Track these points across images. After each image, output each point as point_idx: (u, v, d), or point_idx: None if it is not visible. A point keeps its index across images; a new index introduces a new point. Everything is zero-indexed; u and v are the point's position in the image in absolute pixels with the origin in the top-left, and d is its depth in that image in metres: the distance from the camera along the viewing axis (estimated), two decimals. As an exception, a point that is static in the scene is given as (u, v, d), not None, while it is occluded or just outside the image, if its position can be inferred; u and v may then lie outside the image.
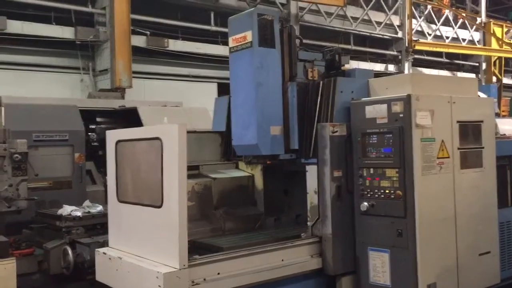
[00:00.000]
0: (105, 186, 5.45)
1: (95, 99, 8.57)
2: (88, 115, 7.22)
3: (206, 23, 12.51)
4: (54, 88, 10.18)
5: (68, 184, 6.19)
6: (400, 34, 16.82)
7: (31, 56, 10.30)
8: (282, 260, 3.88)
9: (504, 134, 6.76)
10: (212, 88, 12.43)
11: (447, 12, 18.40)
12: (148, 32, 11.38)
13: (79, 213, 4.67)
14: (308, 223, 4.24)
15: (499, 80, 19.41)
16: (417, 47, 16.79)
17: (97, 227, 4.68)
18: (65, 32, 10.30)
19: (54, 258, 4.53)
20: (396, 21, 16.83)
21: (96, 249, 4.05)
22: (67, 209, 4.73)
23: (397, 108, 3.92)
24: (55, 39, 10.24)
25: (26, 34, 9.88)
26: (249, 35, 4.18)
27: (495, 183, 4.52)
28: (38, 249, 4.76)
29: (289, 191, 4.87)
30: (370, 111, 4.06)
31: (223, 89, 11.13)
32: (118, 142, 3.95)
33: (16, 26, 9.69)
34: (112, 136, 4.04)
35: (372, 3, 15.69)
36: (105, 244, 4.13)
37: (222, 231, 4.46)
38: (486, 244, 4.40)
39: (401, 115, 3.89)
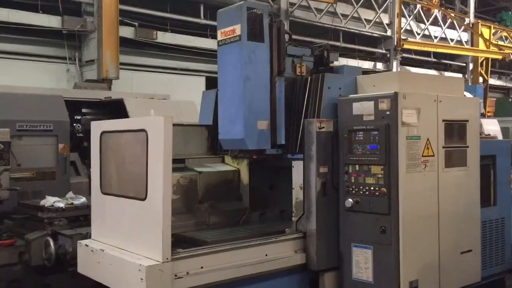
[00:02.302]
0: (89, 177, 5.40)
1: (81, 90, 8.48)
2: (73, 106, 7.14)
3: (195, 15, 12.44)
4: (40, 78, 10.07)
5: (52, 175, 6.12)
6: (389, 33, 16.91)
7: (17, 45, 10.16)
8: (266, 255, 3.87)
9: (489, 134, 6.85)
10: (201, 81, 12.39)
11: (436, 12, 18.53)
12: (136, 23, 11.28)
13: (61, 205, 4.62)
14: (293, 219, 4.25)
15: (485, 80, 19.64)
16: (405, 46, 16.90)
17: (80, 219, 4.64)
18: (51, 21, 10.17)
19: (35, 249, 4.47)
20: (385, 19, 16.92)
21: (79, 241, 4.01)
22: (49, 200, 4.68)
23: (384, 105, 3.92)
24: (41, 28, 10.10)
25: (12, 22, 9.74)
26: (238, 29, 4.15)
27: (478, 182, 4.56)
28: (19, 240, 4.70)
29: (275, 186, 4.86)
30: (357, 108, 4.07)
31: (211, 83, 11.10)
32: (102, 133, 3.91)
33: (2, 14, 9.55)
34: (97, 127, 4.00)
35: (362, 0, 15.74)
36: (88, 236, 4.08)
37: (206, 225, 4.44)
38: (468, 243, 4.44)
39: (387, 113, 3.90)
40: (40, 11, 10.15)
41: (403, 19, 17.13)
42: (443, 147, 4.21)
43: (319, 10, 14.70)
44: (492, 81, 21.00)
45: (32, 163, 5.94)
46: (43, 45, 10.46)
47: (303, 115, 4.30)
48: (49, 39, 10.44)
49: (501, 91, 22.75)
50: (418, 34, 18.08)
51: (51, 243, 4.35)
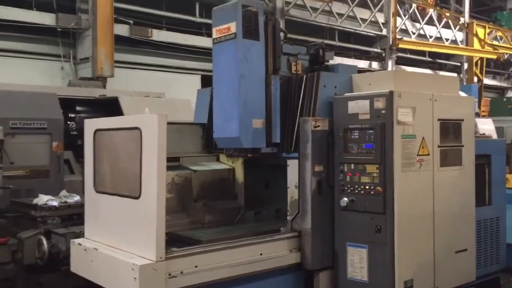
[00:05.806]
0: (84, 176, 5.37)
1: (75, 88, 8.43)
2: (67, 104, 7.10)
3: (191, 13, 12.40)
4: (34, 75, 10.02)
5: (45, 173, 6.08)
6: (384, 32, 16.94)
7: (11, 42, 10.10)
8: (261, 254, 3.85)
9: (484, 134, 6.86)
10: (196, 80, 12.35)
11: (431, 11, 18.57)
12: (131, 21, 11.24)
13: (55, 203, 4.58)
14: (288, 218, 4.23)
15: (480, 80, 19.72)
16: (400, 45, 16.94)
17: (74, 218, 4.59)
18: (45, 19, 10.12)
19: (28, 248, 4.43)
20: (381, 18, 16.95)
21: (72, 240, 3.97)
22: (43, 199, 4.63)
23: (379, 104, 3.91)
24: (35, 26, 10.04)
25: (6, 19, 9.67)
26: (233, 26, 4.13)
27: (473, 182, 4.56)
28: (12, 239, 4.66)
29: (270, 185, 4.84)
30: (353, 107, 4.05)
31: (207, 81, 11.05)
32: (96, 131, 3.88)
33: (-5, 11, 9.49)
34: (91, 124, 3.96)
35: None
36: (81, 234, 4.05)
37: (201, 224, 4.42)
38: (463, 242, 4.44)
39: (383, 112, 3.89)
40: (34, 9, 10.09)
41: (398, 19, 17.17)
42: (438, 146, 4.21)
43: (315, 9, 14.70)
44: (487, 81, 21.09)
45: (26, 161, 5.90)
46: (37, 43, 10.41)
47: (298, 114, 4.28)
48: (43, 36, 10.38)
49: (495, 91, 22.84)
50: (413, 33, 18.13)
51: (44, 242, 4.31)
